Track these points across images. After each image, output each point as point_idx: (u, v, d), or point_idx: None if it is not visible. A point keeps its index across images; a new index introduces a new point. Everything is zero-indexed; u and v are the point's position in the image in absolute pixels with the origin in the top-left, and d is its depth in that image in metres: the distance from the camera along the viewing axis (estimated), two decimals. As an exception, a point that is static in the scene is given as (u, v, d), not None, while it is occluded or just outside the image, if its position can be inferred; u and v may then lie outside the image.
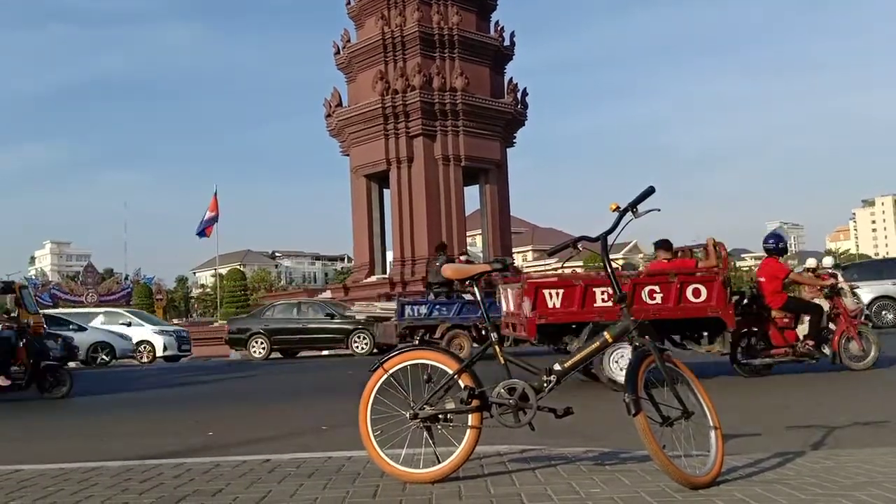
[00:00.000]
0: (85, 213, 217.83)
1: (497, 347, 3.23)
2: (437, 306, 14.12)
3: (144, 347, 20.83)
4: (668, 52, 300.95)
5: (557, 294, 8.26)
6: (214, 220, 35.19)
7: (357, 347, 18.18)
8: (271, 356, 18.78)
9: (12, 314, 13.10)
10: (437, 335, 13.91)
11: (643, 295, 8.22)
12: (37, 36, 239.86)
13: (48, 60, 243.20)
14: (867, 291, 17.34)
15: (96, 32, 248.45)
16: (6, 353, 9.80)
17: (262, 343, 18.79)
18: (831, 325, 8.65)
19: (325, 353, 19.31)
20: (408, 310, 14.18)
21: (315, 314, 19.11)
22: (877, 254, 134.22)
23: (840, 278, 9.29)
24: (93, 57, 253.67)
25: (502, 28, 31.33)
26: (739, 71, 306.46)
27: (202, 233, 35.78)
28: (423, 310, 14.08)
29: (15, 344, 9.87)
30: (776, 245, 8.88)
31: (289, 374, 13.61)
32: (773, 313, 8.49)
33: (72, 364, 13.60)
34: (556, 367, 3.12)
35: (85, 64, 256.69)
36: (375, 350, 17.74)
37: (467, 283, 3.43)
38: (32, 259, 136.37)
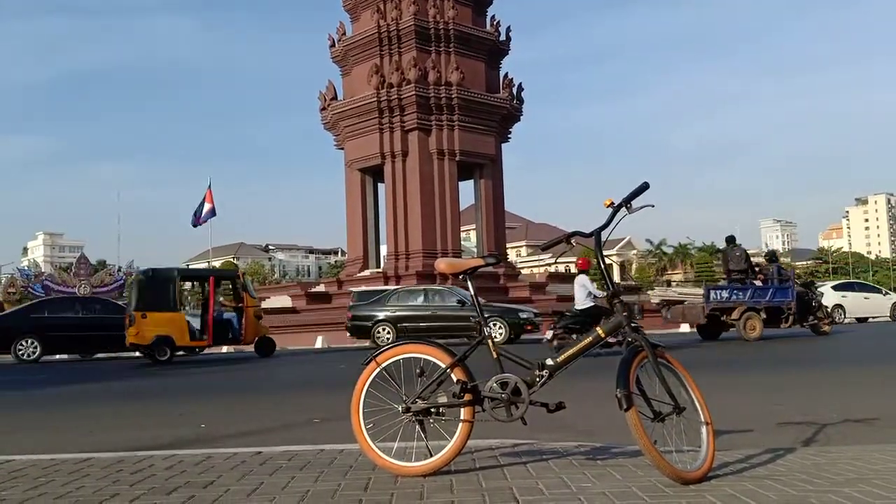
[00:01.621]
0: (78, 205, 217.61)
1: (490, 342, 3.24)
2: (735, 290, 15.56)
3: None
4: (663, 49, 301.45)
5: None
6: (212, 213, 35.02)
7: (492, 336, 17.51)
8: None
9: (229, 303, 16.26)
10: (735, 316, 15.26)
11: None
12: (30, 27, 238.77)
13: (41, 51, 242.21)
14: None
15: (90, 23, 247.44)
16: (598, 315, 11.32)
17: (387, 331, 18.09)
18: None
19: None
20: (713, 294, 15.76)
21: (444, 301, 18.48)
22: (869, 252, 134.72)
23: None
24: (87, 48, 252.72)
25: (498, 23, 31.30)
26: (735, 70, 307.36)
27: (195, 223, 35.61)
28: (725, 294, 15.57)
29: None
30: None
31: (283, 366, 13.60)
32: None
33: None
34: (549, 361, 3.12)
35: (79, 55, 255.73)
36: (512, 335, 17.75)
37: (461, 276, 3.43)
38: (25, 250, 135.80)
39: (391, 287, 23.16)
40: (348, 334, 19.60)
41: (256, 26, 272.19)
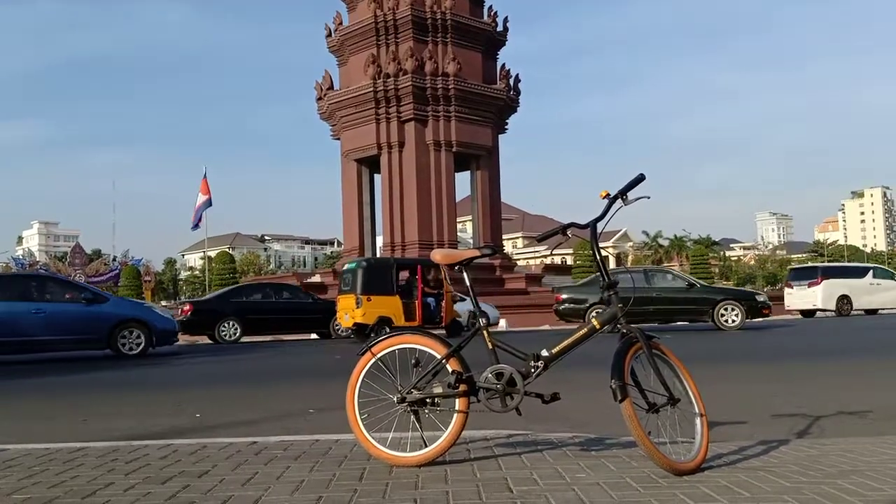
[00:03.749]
0: (73, 194, 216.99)
1: (485, 333, 3.24)
2: None
3: None
4: (660, 42, 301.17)
5: None
6: (208, 204, 34.72)
7: (725, 321, 16.69)
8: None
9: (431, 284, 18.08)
10: None
11: None
12: (24, 12, 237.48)
13: (36, 37, 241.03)
14: None
15: (85, 9, 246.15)
16: None
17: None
18: None
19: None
20: None
21: (669, 283, 17.80)
22: (865, 245, 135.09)
23: None
24: (82, 34, 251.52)
25: (495, 13, 31.19)
26: (731, 63, 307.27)
27: (196, 225, 35.25)
28: None
29: None
30: None
31: (281, 356, 13.60)
32: None
33: None
34: (544, 352, 3.13)
35: (74, 42, 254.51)
36: (748, 318, 16.99)
37: (456, 267, 3.43)
38: (20, 239, 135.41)
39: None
40: (558, 318, 18.96)
41: (253, 14, 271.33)
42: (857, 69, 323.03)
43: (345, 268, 18.64)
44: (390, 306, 16.79)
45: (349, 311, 16.62)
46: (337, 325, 18.65)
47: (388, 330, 16.18)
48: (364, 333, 16.57)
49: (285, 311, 19.65)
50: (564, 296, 18.48)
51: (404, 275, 17.98)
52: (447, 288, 17.48)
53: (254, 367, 11.36)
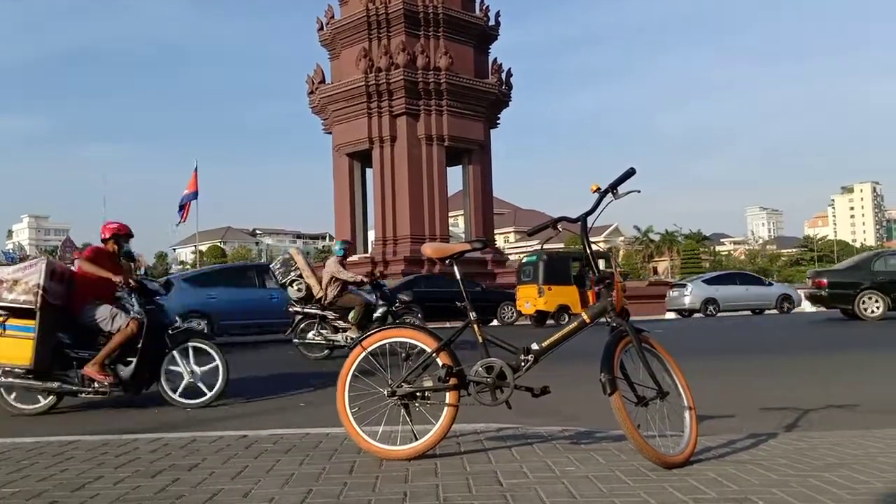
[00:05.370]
0: (63, 187, 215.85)
1: (475, 326, 3.25)
2: None
3: None
4: (653, 36, 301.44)
5: None
6: (193, 196, 34.49)
7: None
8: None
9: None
10: None
11: None
12: (14, 5, 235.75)
13: (26, 31, 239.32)
14: None
15: (78, 3, 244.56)
16: None
17: (875, 300, 15.86)
18: None
19: None
20: None
21: None
22: (854, 240, 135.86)
23: None
24: (72, 27, 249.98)
25: (487, 7, 31.12)
26: (723, 57, 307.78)
27: (181, 214, 34.95)
28: None
29: None
30: None
31: (275, 349, 13.58)
32: None
33: None
34: (534, 346, 3.14)
35: (64, 35, 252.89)
36: None
37: (447, 261, 3.43)
38: (10, 233, 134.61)
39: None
40: (816, 303, 17.71)
41: (246, 7, 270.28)
42: (852, 66, 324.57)
43: (524, 260, 20.34)
44: (569, 295, 18.25)
45: (531, 300, 18.33)
46: (502, 313, 20.59)
47: (566, 317, 18.38)
48: (541, 320, 18.29)
49: (458, 299, 20.81)
50: (828, 280, 16.90)
51: (578, 266, 19.12)
52: (617, 278, 18.18)
53: (246, 361, 11.33)
